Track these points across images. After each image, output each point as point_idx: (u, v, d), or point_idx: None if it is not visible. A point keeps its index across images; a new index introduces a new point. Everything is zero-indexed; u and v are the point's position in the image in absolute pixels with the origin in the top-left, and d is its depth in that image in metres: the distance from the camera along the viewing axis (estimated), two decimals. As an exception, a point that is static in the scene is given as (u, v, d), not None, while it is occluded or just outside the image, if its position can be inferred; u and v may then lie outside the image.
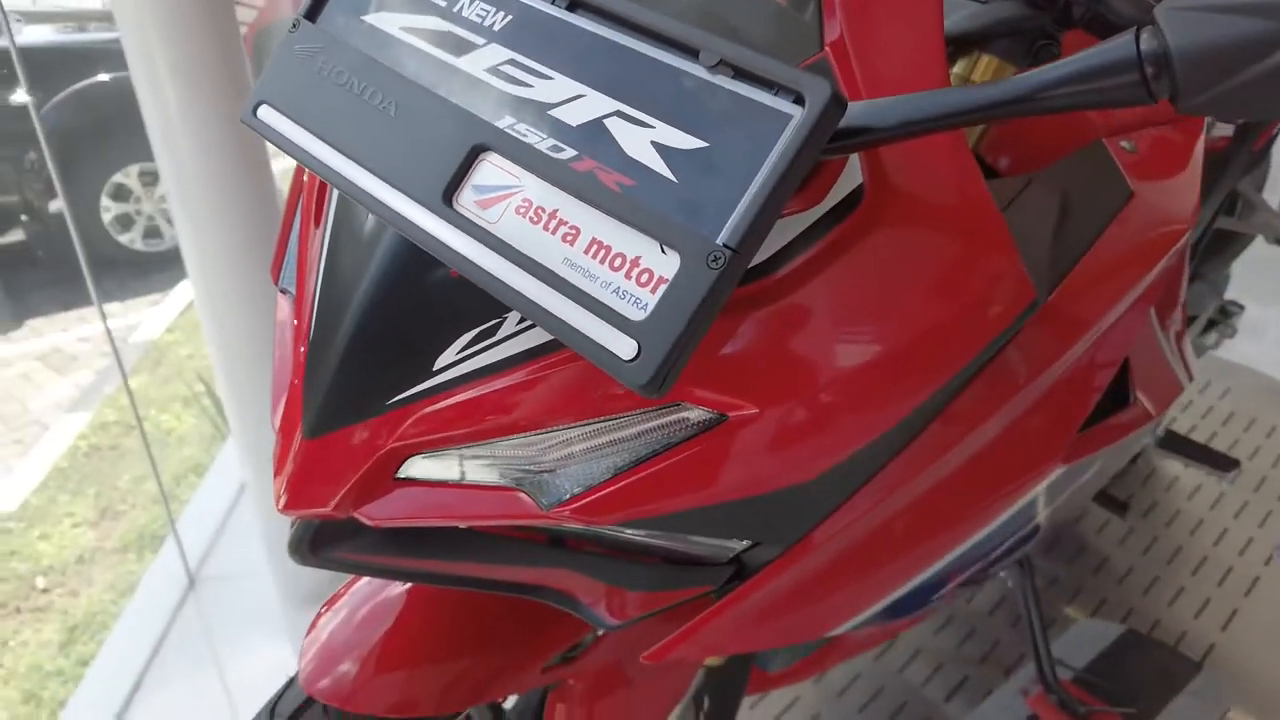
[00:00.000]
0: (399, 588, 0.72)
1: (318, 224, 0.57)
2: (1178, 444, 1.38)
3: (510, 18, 0.48)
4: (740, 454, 0.49)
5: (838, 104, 0.40)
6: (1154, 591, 1.45)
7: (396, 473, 0.53)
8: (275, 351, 0.59)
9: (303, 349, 0.53)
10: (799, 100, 0.41)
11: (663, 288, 0.40)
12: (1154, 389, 0.81)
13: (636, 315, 0.41)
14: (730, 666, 0.92)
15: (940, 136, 0.49)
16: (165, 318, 4.15)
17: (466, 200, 0.45)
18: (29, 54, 4.43)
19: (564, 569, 0.60)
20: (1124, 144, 0.70)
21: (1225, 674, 1.31)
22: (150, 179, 4.47)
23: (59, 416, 3.51)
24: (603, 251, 0.42)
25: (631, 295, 0.41)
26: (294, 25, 0.54)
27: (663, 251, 0.41)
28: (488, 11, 0.49)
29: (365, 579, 0.74)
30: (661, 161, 0.42)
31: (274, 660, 1.82)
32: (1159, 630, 1.39)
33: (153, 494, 2.95)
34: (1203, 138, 0.75)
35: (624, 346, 0.40)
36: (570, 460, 0.51)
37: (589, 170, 0.43)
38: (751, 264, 0.43)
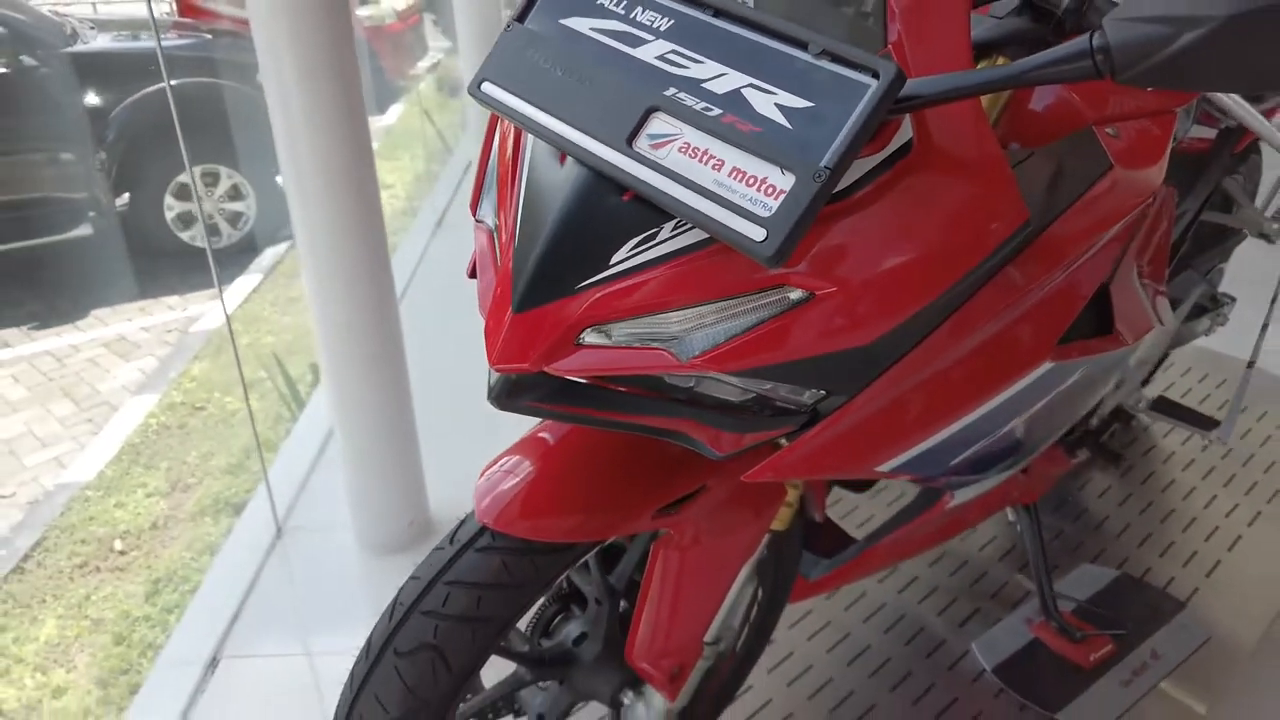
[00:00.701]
0: (552, 444, 0.93)
1: (514, 170, 0.78)
2: (1166, 407, 1.56)
3: (672, 21, 0.70)
4: (822, 321, 0.70)
5: (900, 78, 0.60)
6: (1147, 545, 1.63)
7: (577, 339, 0.73)
8: (477, 260, 0.80)
9: (511, 253, 0.74)
10: (875, 75, 0.61)
11: (782, 197, 0.61)
12: (1129, 322, 1.01)
13: (765, 213, 0.61)
14: (788, 545, 1.12)
15: (965, 108, 0.70)
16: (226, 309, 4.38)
17: (643, 144, 0.66)
18: (99, 59, 4.67)
19: (684, 418, 0.80)
20: (1110, 131, 0.90)
21: (1207, 611, 1.50)
22: (210, 180, 4.71)
23: (126, 398, 3.74)
24: (740, 175, 0.62)
25: (761, 202, 0.62)
26: (508, 25, 0.75)
27: (782, 173, 0.61)
28: (655, 17, 0.70)
29: (517, 448, 0.95)
30: (781, 116, 0.62)
31: (353, 600, 2.02)
32: (1150, 576, 1.57)
33: (222, 467, 3.17)
34: (1173, 131, 0.95)
35: (757, 233, 0.61)
36: (702, 328, 0.71)
37: (730, 123, 0.63)
38: (836, 188, 0.64)
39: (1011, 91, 0.83)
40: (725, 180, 0.63)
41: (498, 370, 0.74)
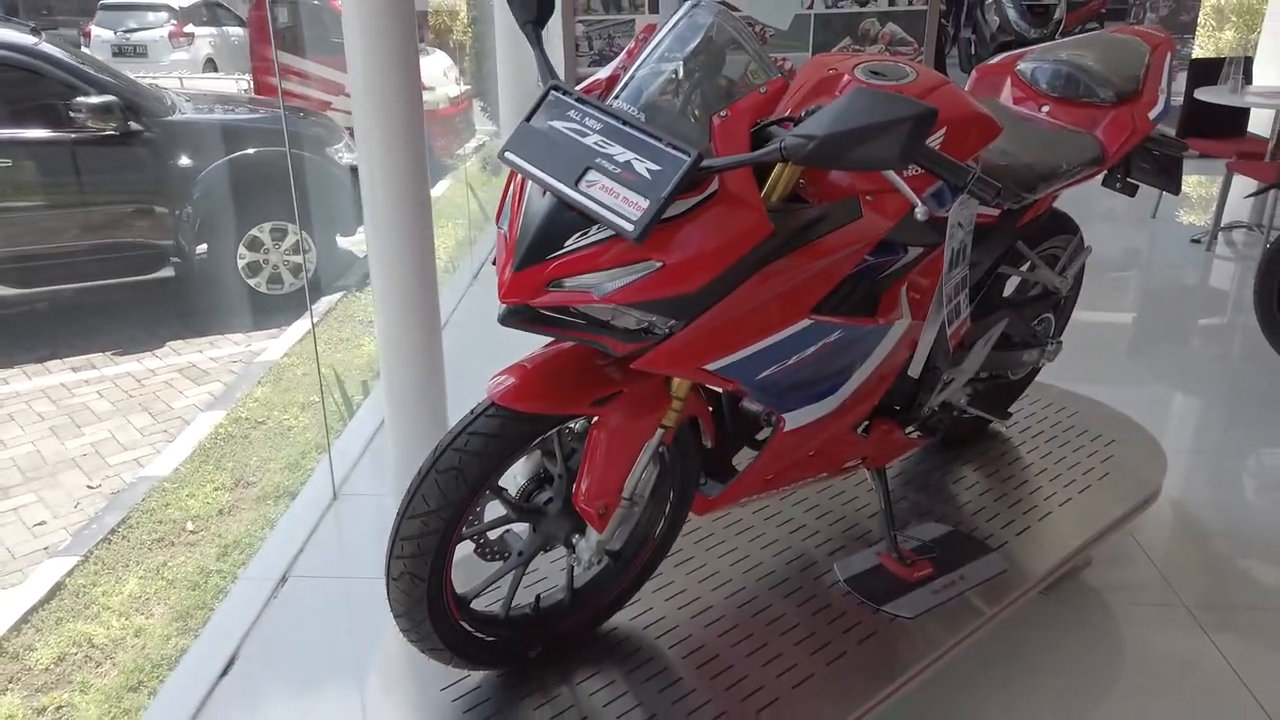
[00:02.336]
0: (536, 358, 1.54)
1: (518, 199, 1.41)
2: (981, 404, 2.18)
3: (602, 125, 1.31)
4: (666, 277, 1.27)
5: (699, 158, 1.20)
6: (980, 514, 2.21)
7: (548, 287, 1.33)
8: (497, 252, 1.44)
9: (514, 241, 1.37)
10: (687, 155, 1.22)
11: (641, 210, 1.22)
12: (884, 312, 1.62)
13: (634, 217, 1.22)
14: (685, 450, 1.70)
15: (743, 177, 1.31)
16: (284, 346, 5.00)
17: (583, 185, 1.29)
18: (192, 127, 5.38)
19: (603, 335, 1.38)
20: (868, 198, 1.53)
21: (1010, 557, 2.07)
22: (279, 234, 5.38)
23: (197, 414, 4.35)
24: (626, 201, 1.24)
25: (632, 214, 1.22)
26: (520, 123, 1.41)
27: (644, 200, 1.23)
28: (595, 124, 1.31)
29: (516, 364, 1.57)
30: (647, 173, 1.24)
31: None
32: (976, 534, 2.15)
33: (281, 466, 3.76)
34: (899, 195, 1.52)
35: (629, 228, 1.22)
36: (609, 282, 1.30)
37: (621, 175, 1.25)
38: (674, 214, 1.27)
39: (798, 174, 1.45)
40: (618, 204, 1.24)
41: (504, 303, 1.36)
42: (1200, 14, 8.27)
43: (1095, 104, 2.11)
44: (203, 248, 5.35)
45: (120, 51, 10.22)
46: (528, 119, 1.41)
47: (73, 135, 4.97)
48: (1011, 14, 8.15)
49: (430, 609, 1.58)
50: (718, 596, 1.94)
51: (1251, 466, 3.05)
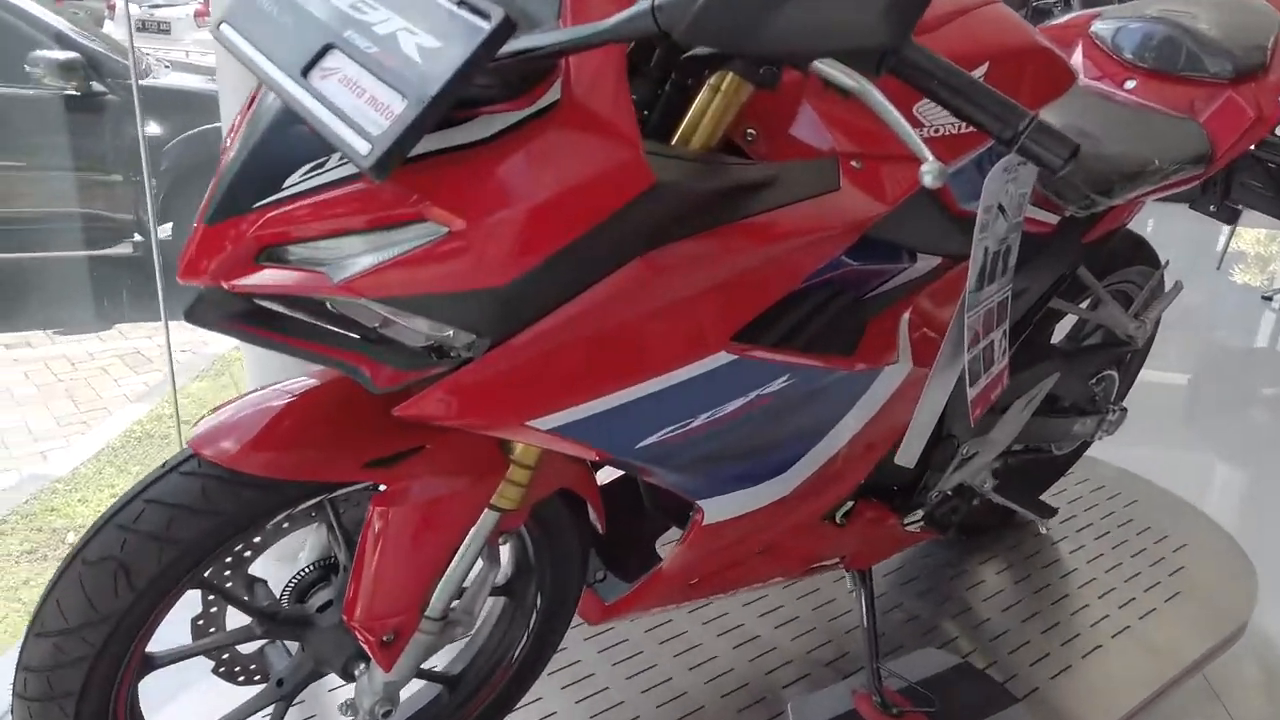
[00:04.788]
0: (282, 389, 0.99)
1: (245, 111, 0.87)
2: (1009, 492, 1.56)
3: None
4: (456, 256, 0.74)
5: (507, 24, 0.68)
6: (1001, 639, 1.61)
7: (257, 259, 0.80)
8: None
9: (215, 182, 0.82)
10: (487, 18, 0.69)
11: (392, 117, 0.68)
12: (871, 353, 1.05)
13: (374, 130, 0.68)
14: (558, 547, 1.17)
15: (606, 83, 0.77)
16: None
17: (314, 76, 0.74)
18: (164, 94, 4.99)
19: (352, 349, 0.84)
20: (854, 163, 0.96)
21: (1040, 713, 1.46)
22: (249, 216, 4.96)
23: (124, 406, 3.89)
24: (372, 101, 0.69)
25: (374, 120, 0.68)
26: None
27: (401, 99, 0.68)
28: None
29: (256, 392, 1.01)
30: (417, 53, 0.69)
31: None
32: (994, 670, 1.54)
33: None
34: (902, 166, 0.99)
35: (363, 146, 0.67)
36: (354, 256, 0.77)
37: (378, 57, 0.71)
38: (475, 138, 0.71)
39: (744, 103, 0.89)
40: (360, 108, 0.69)
41: (181, 281, 0.81)
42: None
43: (1202, 80, 1.53)
44: (166, 228, 4.92)
45: (144, 27, 10.00)
46: None
47: (29, 92, 4.56)
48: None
49: None
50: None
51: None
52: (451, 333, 0.81)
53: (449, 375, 0.83)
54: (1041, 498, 1.71)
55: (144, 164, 4.32)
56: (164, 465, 0.97)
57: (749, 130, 0.94)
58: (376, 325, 0.83)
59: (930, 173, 0.75)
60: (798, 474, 1.08)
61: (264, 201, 0.77)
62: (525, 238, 0.75)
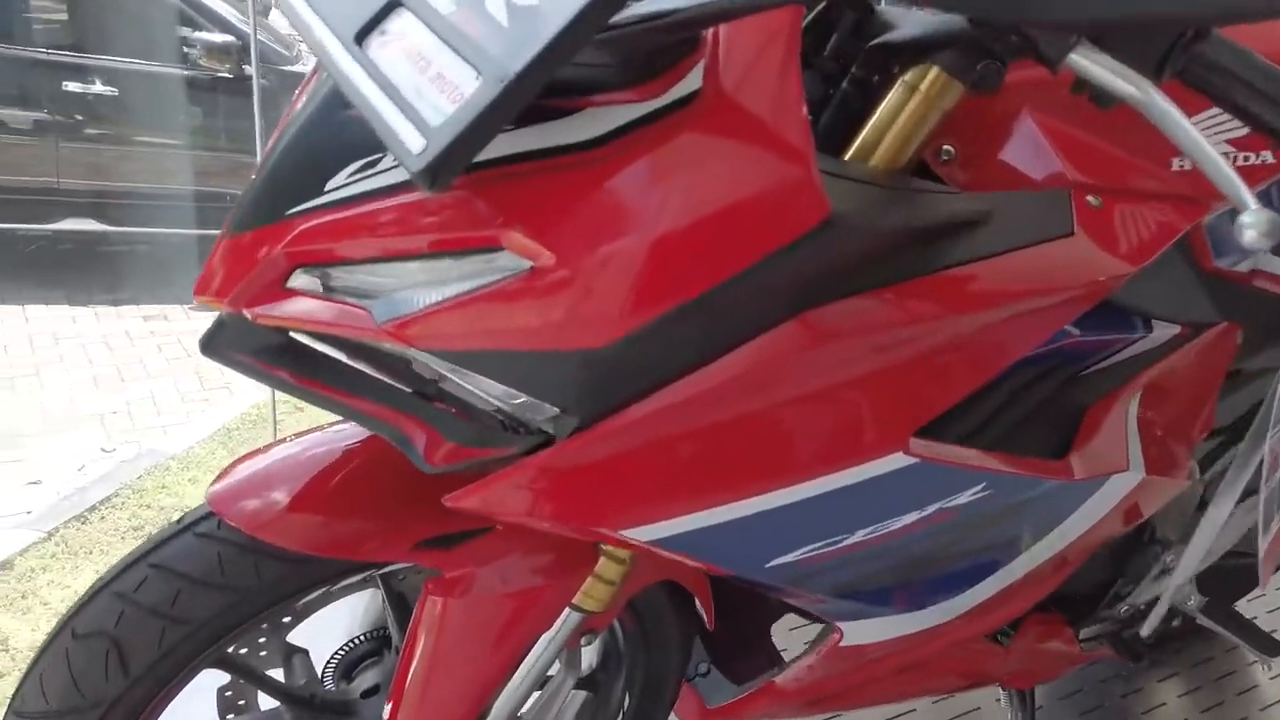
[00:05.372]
0: (324, 441, 0.81)
1: (298, 99, 0.70)
2: (1220, 614, 1.26)
3: None
4: (539, 303, 0.55)
5: None
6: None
7: (286, 283, 0.62)
8: None
9: (252, 183, 0.65)
10: None
11: (459, 103, 0.48)
12: (1092, 456, 0.78)
13: (435, 120, 0.49)
14: (657, 650, 0.95)
15: (769, 69, 0.55)
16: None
17: (373, 44, 0.55)
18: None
19: (408, 411, 0.67)
20: (1090, 199, 0.72)
21: None
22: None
23: (245, 386, 3.91)
24: (440, 81, 0.50)
25: (437, 106, 0.49)
26: None
27: (475, 77, 0.49)
28: None
29: (291, 439, 0.84)
30: (506, 14, 0.50)
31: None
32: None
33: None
34: (1185, 231, 0.74)
35: (416, 142, 0.48)
36: (409, 288, 0.58)
37: (458, 22, 0.52)
38: (579, 139, 0.51)
39: (948, 110, 0.66)
40: (423, 84, 0.51)
41: (198, 299, 0.64)
42: None
43: None
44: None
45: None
46: None
47: (186, 73, 4.69)
48: None
49: None
50: None
51: None
52: (527, 402, 0.61)
53: (522, 459, 0.64)
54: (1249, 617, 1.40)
55: (256, 145, 4.39)
56: (179, 520, 0.82)
57: (945, 147, 0.72)
58: (436, 380, 0.64)
59: (1256, 226, 0.51)
60: (972, 598, 0.85)
61: (299, 208, 0.60)
62: (639, 285, 0.55)
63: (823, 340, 0.62)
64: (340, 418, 0.78)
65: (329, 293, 0.62)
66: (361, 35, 0.56)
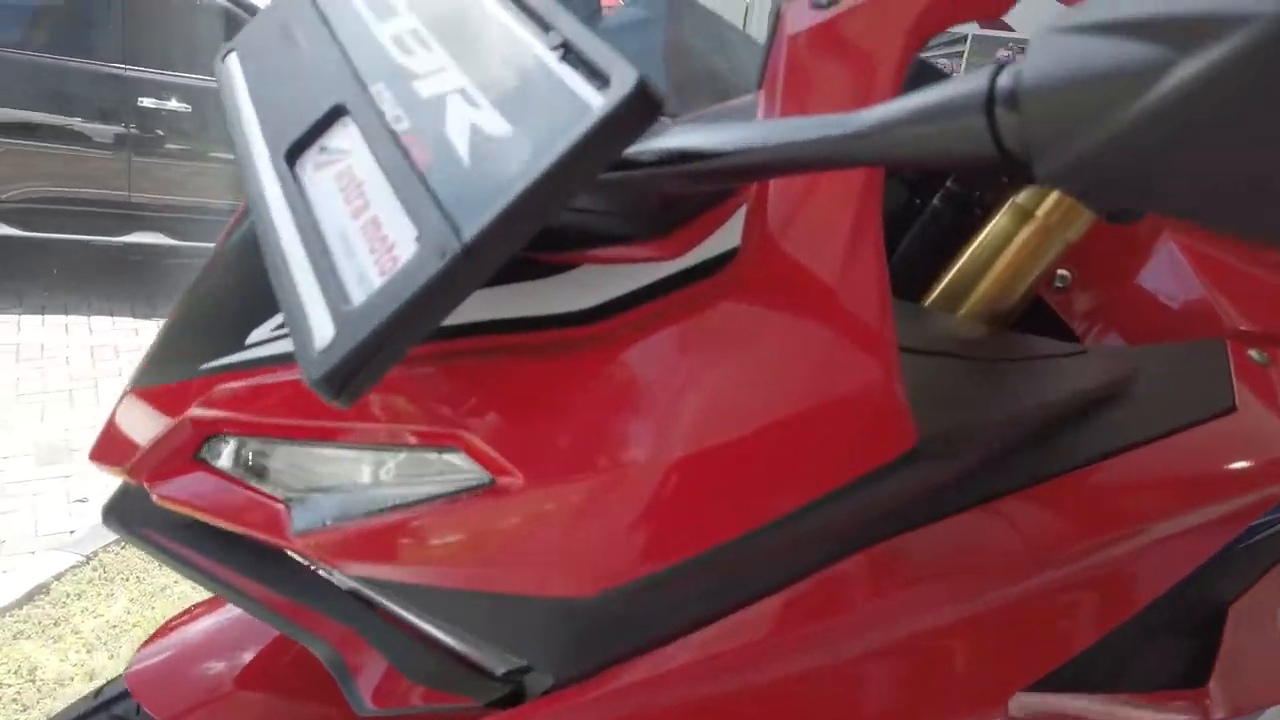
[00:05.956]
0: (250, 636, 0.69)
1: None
2: None
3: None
4: (503, 530, 0.41)
5: (646, 101, 0.33)
6: None
7: (197, 452, 0.50)
8: None
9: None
10: (605, 84, 0.35)
11: (391, 274, 0.36)
12: (1239, 682, 0.61)
13: (357, 298, 0.36)
14: None
15: (842, 218, 0.41)
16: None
17: (308, 162, 0.43)
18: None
19: (347, 622, 0.53)
20: (1253, 354, 0.57)
21: None
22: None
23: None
24: (375, 230, 0.38)
25: (366, 277, 0.36)
26: None
27: (415, 239, 0.36)
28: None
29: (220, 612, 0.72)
30: (466, 145, 0.37)
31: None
32: None
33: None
34: None
35: (324, 330, 0.35)
36: (332, 491, 0.45)
37: (409, 144, 0.39)
38: (566, 310, 0.37)
39: (1074, 241, 0.51)
40: (354, 236, 0.39)
41: (95, 464, 0.52)
42: None
43: None
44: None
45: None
46: None
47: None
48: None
49: None
50: None
51: None
52: (484, 650, 0.48)
53: (483, 714, 0.50)
54: None
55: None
56: (97, 692, 0.70)
57: (1061, 271, 0.57)
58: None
59: None
60: None
61: (213, 364, 0.48)
62: (647, 524, 0.41)
63: (897, 582, 0.47)
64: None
65: (245, 473, 0.50)
66: (296, 151, 0.44)
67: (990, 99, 0.30)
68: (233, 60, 0.55)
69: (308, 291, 0.38)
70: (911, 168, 0.39)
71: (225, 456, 0.50)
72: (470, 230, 0.35)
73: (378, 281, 0.36)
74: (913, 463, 0.43)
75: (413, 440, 0.44)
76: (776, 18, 0.43)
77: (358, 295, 0.37)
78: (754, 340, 0.42)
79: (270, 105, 0.48)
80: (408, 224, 0.37)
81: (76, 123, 4.38)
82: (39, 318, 4.46)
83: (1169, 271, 0.57)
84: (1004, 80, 0.29)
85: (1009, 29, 4.20)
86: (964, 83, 0.31)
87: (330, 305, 0.37)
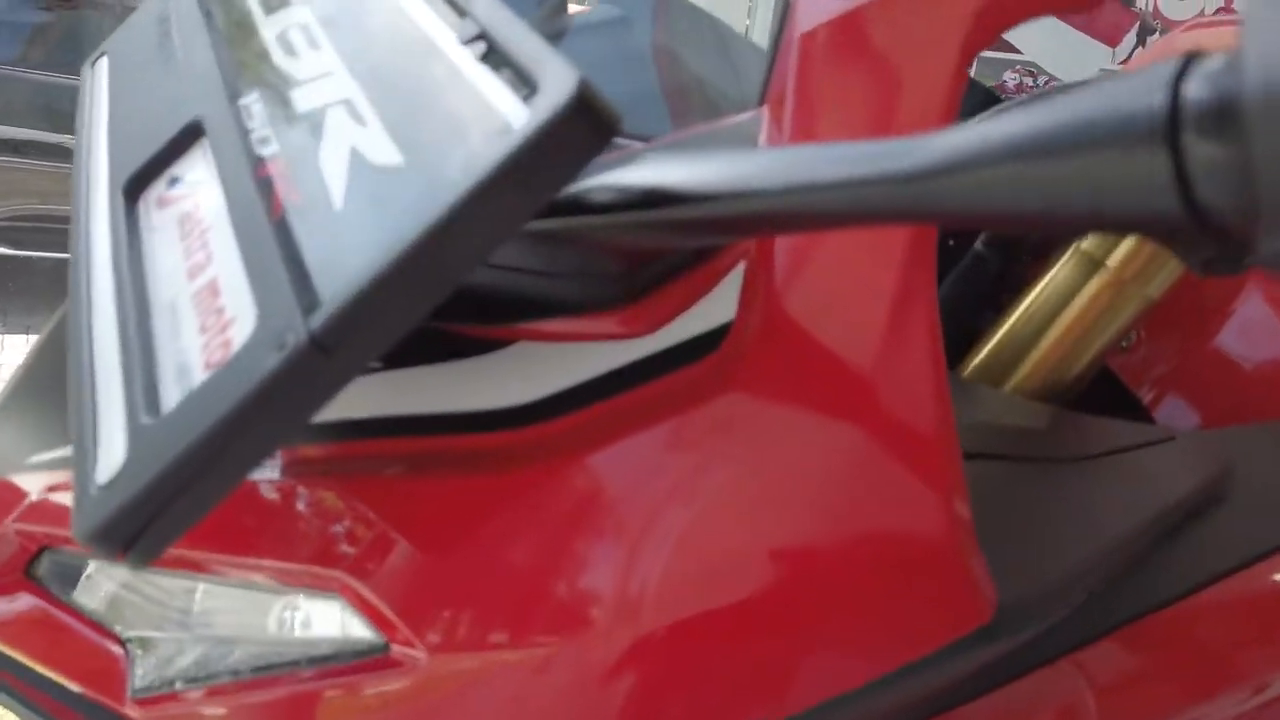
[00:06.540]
0: None
1: None
2: None
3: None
4: (391, 714, 0.31)
5: (590, 115, 0.23)
6: None
7: (30, 567, 0.40)
8: None
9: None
10: (531, 93, 0.24)
11: (214, 371, 0.25)
12: None
13: (166, 407, 0.25)
14: None
15: (886, 287, 0.30)
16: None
17: (151, 198, 0.33)
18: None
19: None
20: None
21: None
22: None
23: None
24: (209, 301, 0.27)
25: (187, 373, 0.26)
26: None
27: (254, 318, 0.26)
28: None
29: None
30: (345, 177, 0.27)
31: None
32: None
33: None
34: None
35: (115, 452, 0.25)
36: (196, 636, 0.35)
37: (268, 176, 0.29)
38: (508, 401, 0.27)
39: (1142, 308, 0.41)
40: (183, 306, 0.28)
41: None
42: None
43: None
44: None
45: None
46: None
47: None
48: None
49: None
50: None
51: None
52: None
53: None
54: None
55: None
56: None
57: (1137, 337, 0.47)
58: None
59: None
60: None
61: (43, 459, 0.38)
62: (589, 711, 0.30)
63: None
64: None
65: (84, 600, 0.39)
66: (138, 182, 0.33)
67: (1173, 119, 0.17)
68: (101, 66, 0.44)
69: (107, 388, 0.27)
70: (1007, 230, 0.28)
71: (58, 577, 0.39)
72: (325, 311, 0.24)
73: (199, 378, 0.26)
74: (987, 640, 0.32)
75: (287, 580, 0.33)
76: (785, 8, 0.32)
77: (170, 399, 0.26)
78: (759, 456, 0.30)
79: (124, 121, 0.37)
80: (249, 295, 0.27)
81: (66, 140, 4.30)
82: (23, 337, 4.37)
83: (1259, 331, 0.47)
84: (1196, 87, 0.17)
85: (1015, 50, 3.83)
86: (1113, 89, 0.18)
87: (130, 413, 0.26)
